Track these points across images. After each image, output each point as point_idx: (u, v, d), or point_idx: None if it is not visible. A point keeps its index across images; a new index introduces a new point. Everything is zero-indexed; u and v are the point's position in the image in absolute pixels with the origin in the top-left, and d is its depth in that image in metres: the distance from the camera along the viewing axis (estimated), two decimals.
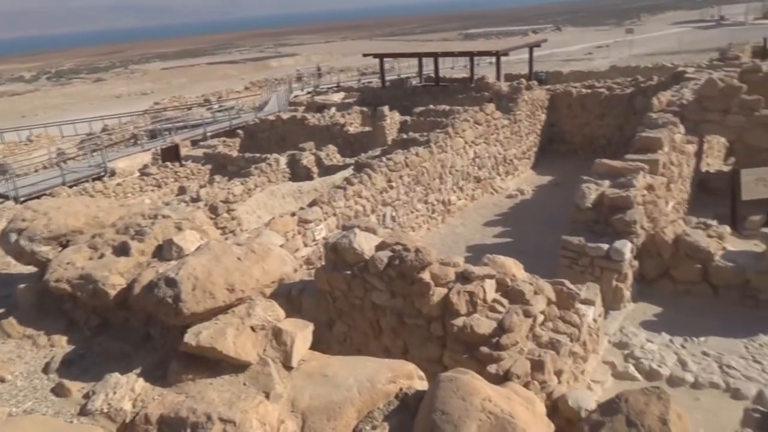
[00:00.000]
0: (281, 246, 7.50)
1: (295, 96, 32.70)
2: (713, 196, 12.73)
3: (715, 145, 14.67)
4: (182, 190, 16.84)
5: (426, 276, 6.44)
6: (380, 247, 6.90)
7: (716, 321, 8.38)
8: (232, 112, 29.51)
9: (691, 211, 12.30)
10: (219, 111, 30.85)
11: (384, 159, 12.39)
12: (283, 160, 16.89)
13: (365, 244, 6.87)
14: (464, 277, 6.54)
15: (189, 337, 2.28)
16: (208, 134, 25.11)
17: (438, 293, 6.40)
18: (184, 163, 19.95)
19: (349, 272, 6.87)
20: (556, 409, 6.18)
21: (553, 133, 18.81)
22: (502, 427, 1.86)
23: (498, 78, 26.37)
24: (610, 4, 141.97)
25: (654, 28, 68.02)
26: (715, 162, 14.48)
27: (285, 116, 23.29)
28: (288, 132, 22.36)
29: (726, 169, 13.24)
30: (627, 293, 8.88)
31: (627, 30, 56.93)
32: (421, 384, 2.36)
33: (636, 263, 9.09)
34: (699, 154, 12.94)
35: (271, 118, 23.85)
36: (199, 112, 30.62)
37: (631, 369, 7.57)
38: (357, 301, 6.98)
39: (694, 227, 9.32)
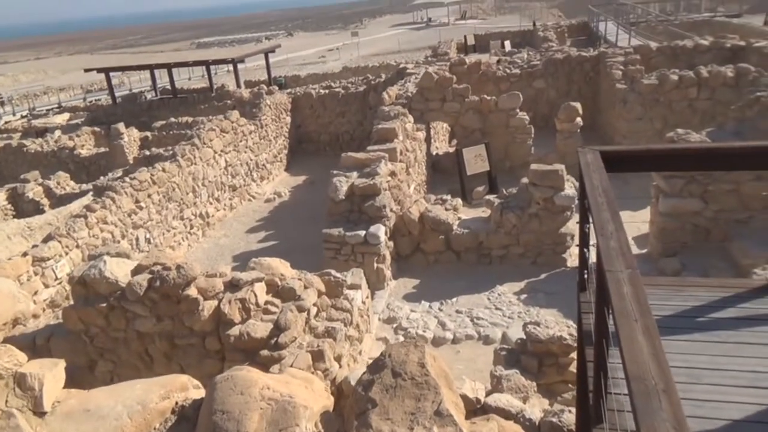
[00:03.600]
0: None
1: (6, 122, 28.33)
2: (445, 174, 14.43)
3: (441, 129, 16.62)
4: None
5: (192, 292, 6.18)
6: (137, 270, 6.42)
7: (463, 281, 9.57)
8: None
9: (429, 190, 13.78)
10: None
11: (128, 179, 11.46)
12: (1, 195, 14.55)
13: (119, 270, 6.32)
14: (233, 286, 6.43)
15: None
16: None
17: (208, 307, 6.19)
18: None
19: (104, 304, 6.26)
20: (341, 391, 6.46)
21: (301, 135, 19.40)
22: (283, 409, 1.90)
23: (238, 85, 26.18)
24: (334, 10, 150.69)
25: (376, 30, 74.15)
26: (442, 145, 16.41)
27: None
28: (3, 163, 19.32)
29: (451, 150, 15.10)
30: (388, 272, 9.63)
31: (353, 33, 61.05)
32: (198, 393, 2.27)
33: (391, 244, 9.89)
34: (428, 139, 14.53)
35: None
36: None
37: (401, 339, 8.25)
38: (119, 333, 6.39)
39: (434, 204, 10.48)
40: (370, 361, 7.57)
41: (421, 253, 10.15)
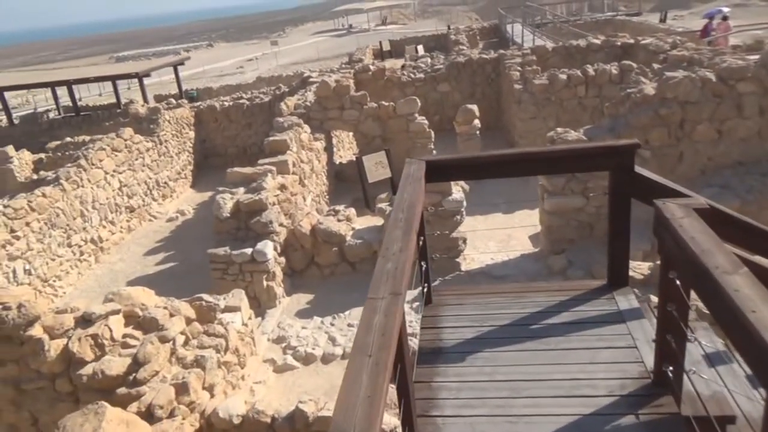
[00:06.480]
0: None
1: None
2: (349, 183, 14.27)
3: (345, 138, 16.47)
4: None
5: (37, 331, 5.72)
6: None
7: (357, 293, 9.35)
8: None
9: (333, 200, 13.58)
10: None
11: (0, 206, 10.67)
12: None
13: None
14: (86, 321, 6.00)
15: None
16: None
17: (55, 347, 5.74)
18: None
19: None
20: (210, 425, 6.13)
21: (207, 149, 18.79)
22: None
23: (145, 100, 25.19)
24: (257, 19, 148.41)
25: (297, 39, 73.53)
26: (346, 153, 16.26)
27: None
28: None
29: (354, 158, 14.95)
30: (279, 289, 9.33)
31: (272, 42, 60.24)
32: None
33: (283, 259, 9.60)
34: (330, 149, 14.33)
35: None
36: None
37: (290, 359, 7.97)
38: None
39: (326, 215, 10.26)
40: (254, 386, 7.17)
41: (316, 267, 9.92)
